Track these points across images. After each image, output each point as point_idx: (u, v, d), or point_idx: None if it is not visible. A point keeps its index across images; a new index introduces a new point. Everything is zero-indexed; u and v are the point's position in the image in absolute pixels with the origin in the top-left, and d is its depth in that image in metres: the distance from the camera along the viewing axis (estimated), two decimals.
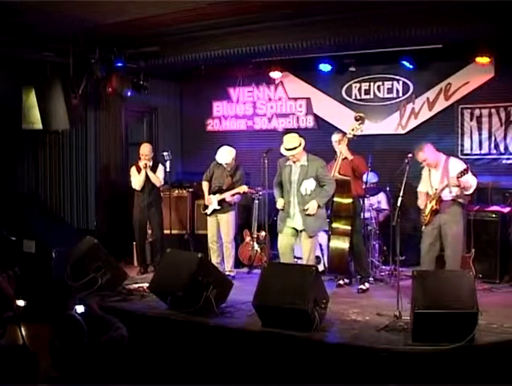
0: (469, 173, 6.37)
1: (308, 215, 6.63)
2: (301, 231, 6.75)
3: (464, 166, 6.45)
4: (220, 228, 7.84)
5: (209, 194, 7.87)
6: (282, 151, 6.71)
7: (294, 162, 6.74)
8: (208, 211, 7.85)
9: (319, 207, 6.65)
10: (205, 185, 7.97)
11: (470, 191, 6.62)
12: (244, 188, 7.75)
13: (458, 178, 6.35)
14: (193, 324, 5.78)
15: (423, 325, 4.95)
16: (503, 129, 8.12)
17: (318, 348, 5.18)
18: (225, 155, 7.83)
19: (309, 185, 6.68)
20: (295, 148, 6.63)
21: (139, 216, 8.28)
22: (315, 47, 7.34)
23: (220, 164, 7.88)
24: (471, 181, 6.48)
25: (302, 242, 6.80)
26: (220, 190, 7.78)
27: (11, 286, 5.07)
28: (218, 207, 7.77)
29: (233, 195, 7.75)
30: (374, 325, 5.56)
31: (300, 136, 6.78)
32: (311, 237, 6.74)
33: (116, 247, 8.40)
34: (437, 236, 6.69)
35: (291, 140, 6.68)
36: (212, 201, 7.79)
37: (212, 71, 9.48)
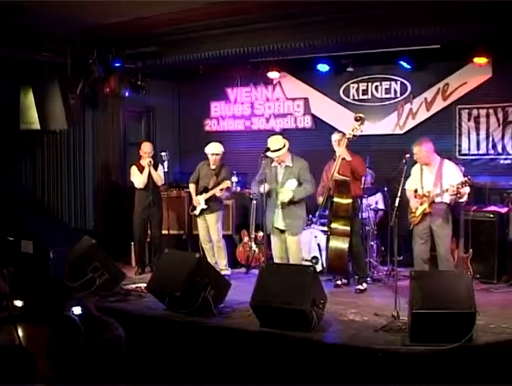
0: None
1: (283, 208, 6.78)
2: (284, 231, 6.90)
3: (460, 174, 6.54)
4: (209, 227, 7.88)
5: (196, 195, 7.89)
6: (267, 153, 6.80)
7: (279, 163, 6.88)
8: (197, 212, 7.87)
9: (294, 199, 6.75)
10: (192, 187, 8.01)
11: (463, 199, 6.69)
12: (227, 183, 7.74)
13: (459, 188, 6.38)
14: (191, 324, 5.78)
15: (420, 325, 4.95)
16: (501, 130, 8.13)
17: (316, 348, 5.18)
18: (214, 146, 7.88)
19: (290, 184, 6.86)
20: (279, 149, 6.80)
21: (141, 215, 8.25)
22: (314, 47, 7.34)
23: (206, 164, 7.92)
24: (467, 190, 6.54)
25: (288, 243, 6.96)
26: (206, 190, 7.81)
27: (5, 285, 5.08)
28: (205, 207, 7.79)
29: (221, 189, 7.74)
30: (372, 325, 5.57)
31: (284, 137, 6.93)
32: (294, 236, 6.89)
33: (114, 247, 8.39)
34: (428, 236, 6.73)
35: (275, 141, 6.85)
36: (200, 201, 7.81)
37: (210, 71, 9.48)
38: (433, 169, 6.72)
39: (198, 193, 7.89)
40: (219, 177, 7.83)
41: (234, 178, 7.95)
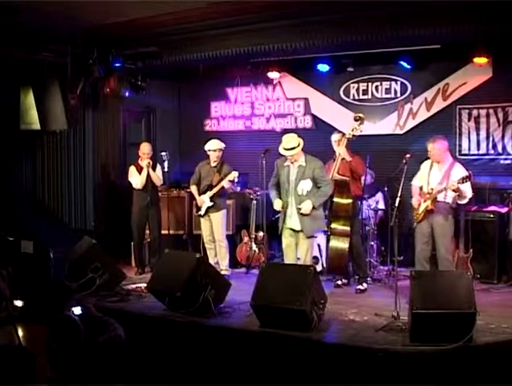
0: (469, 182, 6.40)
1: (304, 215, 6.63)
2: (299, 231, 6.74)
3: (467, 174, 6.49)
4: (213, 227, 7.87)
5: (200, 195, 7.89)
6: (281, 151, 6.70)
7: (292, 163, 6.73)
8: (202, 212, 7.86)
9: (314, 208, 6.63)
10: (194, 189, 8.00)
11: (464, 201, 6.68)
12: (234, 174, 7.71)
13: (459, 183, 6.37)
14: (191, 324, 5.78)
15: (420, 325, 4.96)
16: (501, 130, 8.12)
17: (316, 348, 5.18)
18: (215, 142, 7.91)
19: (305, 185, 6.67)
20: (293, 148, 6.63)
21: (138, 216, 8.27)
22: (314, 47, 7.33)
23: (205, 164, 7.93)
24: (468, 191, 6.51)
25: (299, 242, 6.80)
26: (211, 187, 7.80)
27: (5, 285, 5.09)
28: (211, 204, 7.78)
29: (230, 181, 7.73)
30: (372, 325, 5.57)
31: (299, 136, 6.79)
32: (308, 238, 6.74)
33: (114, 247, 8.40)
34: (430, 235, 6.73)
35: (289, 140, 6.67)
36: (204, 200, 7.80)
37: (211, 71, 9.49)
38: (443, 168, 6.72)
39: (201, 193, 7.89)
40: (221, 173, 7.83)
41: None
